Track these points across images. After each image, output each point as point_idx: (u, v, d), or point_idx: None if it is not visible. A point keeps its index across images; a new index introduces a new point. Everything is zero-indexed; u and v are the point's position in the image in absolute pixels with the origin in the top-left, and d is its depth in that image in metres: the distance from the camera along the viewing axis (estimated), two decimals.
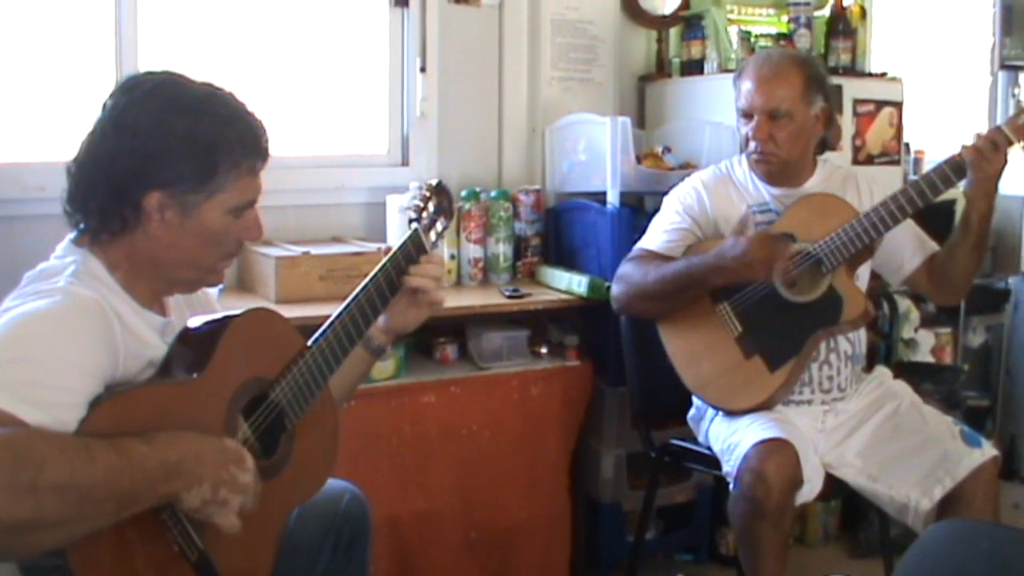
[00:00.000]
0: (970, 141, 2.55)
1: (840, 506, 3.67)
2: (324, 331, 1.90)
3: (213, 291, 2.85)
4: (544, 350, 3.28)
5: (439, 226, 2.11)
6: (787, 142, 2.69)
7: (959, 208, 2.79)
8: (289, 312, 2.84)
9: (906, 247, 2.78)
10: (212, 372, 1.68)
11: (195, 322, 1.81)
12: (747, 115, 2.73)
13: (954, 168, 2.55)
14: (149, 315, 1.74)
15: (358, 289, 1.95)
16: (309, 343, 1.88)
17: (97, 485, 1.40)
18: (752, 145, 2.72)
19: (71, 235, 1.72)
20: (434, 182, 2.14)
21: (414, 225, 2.05)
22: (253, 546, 1.73)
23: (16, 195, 2.87)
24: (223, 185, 1.68)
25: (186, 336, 1.78)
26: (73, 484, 1.37)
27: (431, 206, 2.09)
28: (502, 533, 3.11)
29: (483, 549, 3.09)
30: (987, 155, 2.51)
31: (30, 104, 3.01)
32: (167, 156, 1.63)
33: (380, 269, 1.98)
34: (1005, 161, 2.53)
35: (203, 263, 1.76)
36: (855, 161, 3.41)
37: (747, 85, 2.72)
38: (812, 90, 2.70)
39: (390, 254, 2.00)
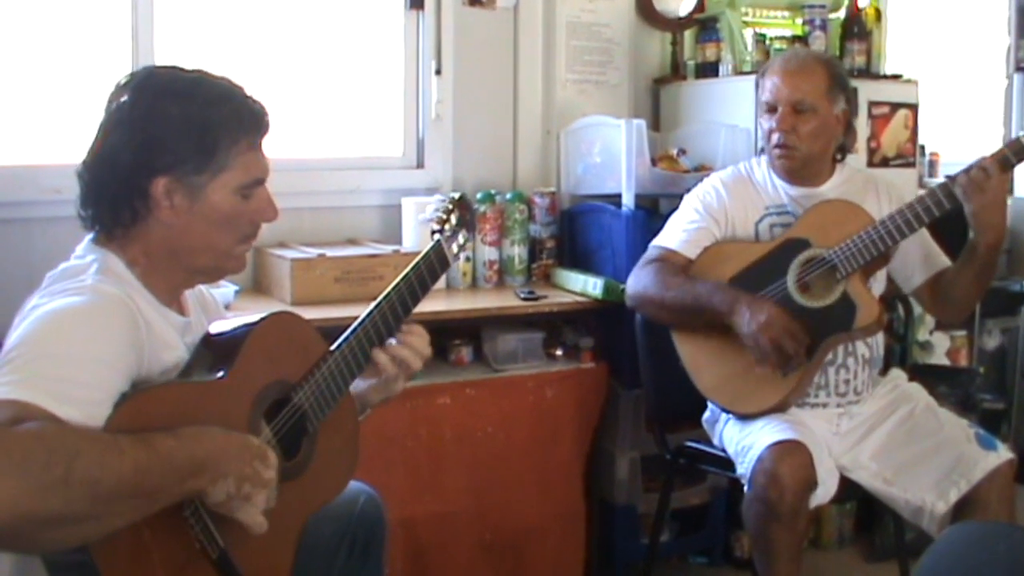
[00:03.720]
0: (991, 148, 2.55)
1: (855, 509, 3.67)
2: (347, 336, 1.91)
3: (229, 294, 2.90)
4: (559, 352, 3.28)
5: (461, 239, 2.10)
6: (809, 137, 2.70)
7: None
8: (305, 314, 2.86)
9: (916, 260, 2.79)
10: (236, 373, 1.71)
11: (217, 327, 1.83)
12: (771, 108, 2.74)
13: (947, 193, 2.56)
14: (170, 314, 1.75)
15: (381, 297, 1.96)
16: (332, 348, 1.89)
17: (126, 480, 1.40)
18: (775, 138, 2.73)
19: (90, 236, 1.74)
20: (456, 195, 2.14)
21: (436, 236, 2.05)
22: (273, 547, 1.74)
23: (33, 197, 2.88)
24: (225, 163, 1.68)
25: (209, 340, 1.81)
26: (103, 479, 1.38)
27: (453, 218, 2.09)
28: (516, 535, 3.12)
29: (497, 551, 3.09)
30: (980, 184, 2.51)
31: (46, 107, 3.03)
32: (165, 141, 1.65)
33: (403, 278, 1.98)
34: (1002, 188, 2.53)
35: (219, 247, 1.75)
36: (870, 163, 3.40)
37: (773, 79, 2.74)
38: (836, 89, 2.72)
39: (412, 263, 2.00)
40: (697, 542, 3.52)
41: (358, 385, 2.01)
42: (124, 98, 1.68)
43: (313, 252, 3.08)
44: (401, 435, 2.94)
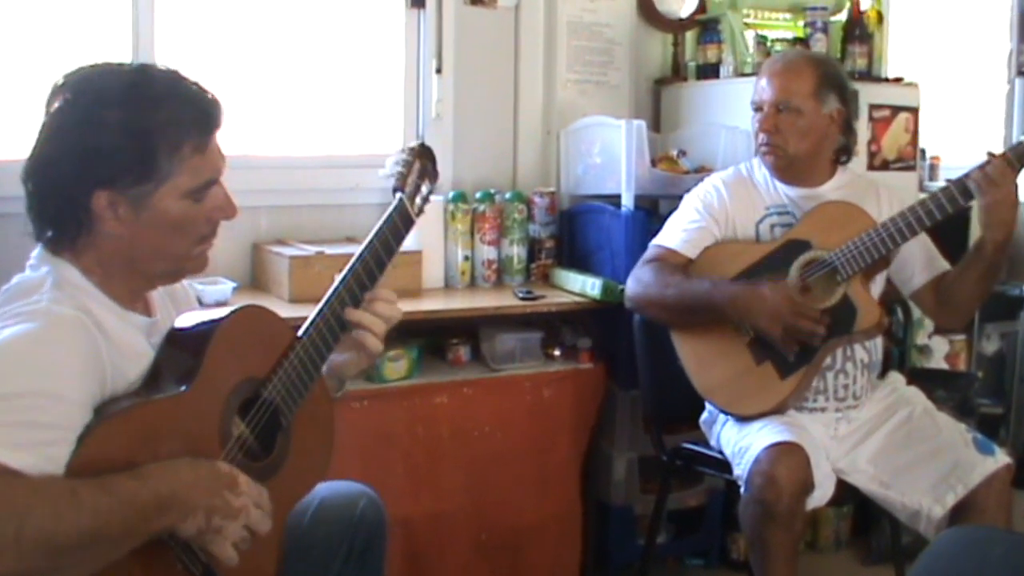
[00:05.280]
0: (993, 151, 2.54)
1: (852, 512, 3.66)
2: (314, 319, 1.84)
3: (226, 291, 2.88)
4: (557, 352, 3.27)
5: (424, 190, 2.02)
6: (793, 136, 2.71)
7: (974, 222, 2.78)
8: (303, 312, 2.86)
9: (917, 262, 2.77)
10: (201, 382, 1.63)
11: (183, 321, 1.76)
12: (758, 108, 2.76)
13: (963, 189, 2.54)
14: (133, 316, 1.69)
15: (344, 272, 1.88)
16: (299, 334, 1.82)
17: (85, 529, 1.36)
18: (760, 137, 2.75)
19: (41, 243, 1.65)
20: (414, 143, 2.04)
21: (398, 194, 1.96)
22: (256, 549, 1.68)
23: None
24: (169, 171, 1.59)
25: (174, 338, 1.73)
26: (59, 532, 1.34)
27: (414, 170, 1.99)
28: (513, 535, 3.11)
29: (494, 551, 3.09)
30: (995, 179, 2.50)
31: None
32: (102, 152, 1.56)
33: (366, 247, 1.90)
34: (1015, 187, 2.52)
35: (174, 252, 1.68)
36: (871, 166, 3.40)
37: (761, 80, 2.76)
38: (825, 89, 2.71)
39: (375, 228, 1.92)
40: (693, 544, 3.51)
41: (333, 360, 1.93)
42: (59, 103, 1.59)
43: (311, 250, 3.08)
44: (398, 433, 2.94)
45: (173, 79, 1.64)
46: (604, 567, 3.34)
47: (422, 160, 2.01)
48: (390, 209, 1.95)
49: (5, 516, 1.30)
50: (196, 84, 1.66)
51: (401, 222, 1.94)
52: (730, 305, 2.60)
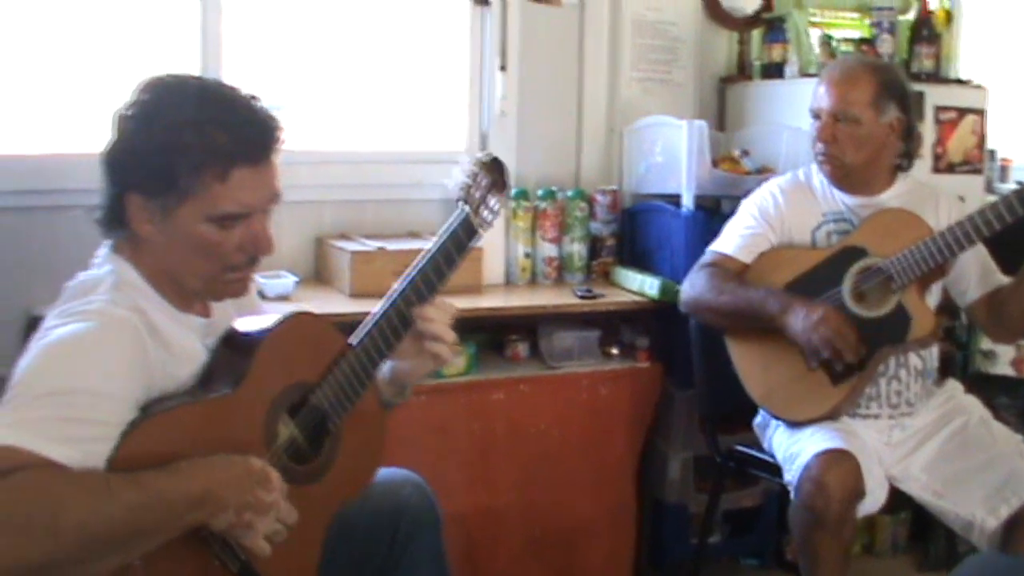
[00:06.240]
0: None
1: (910, 517, 3.63)
2: (368, 328, 1.86)
3: (288, 285, 2.94)
4: (615, 351, 3.29)
5: (492, 203, 1.96)
6: (851, 147, 2.68)
7: None
8: (364, 307, 2.92)
9: (972, 275, 2.73)
10: (248, 385, 1.68)
11: (243, 325, 1.80)
12: (816, 116, 2.74)
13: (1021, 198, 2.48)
14: (188, 318, 1.75)
15: (402, 282, 1.89)
16: (351, 342, 1.85)
17: (117, 524, 1.41)
18: (818, 146, 2.73)
19: (109, 242, 1.73)
20: (484, 155, 1.98)
21: (463, 207, 1.92)
22: (297, 549, 1.74)
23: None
24: (190, 190, 1.62)
25: (227, 341, 1.78)
26: (92, 524, 1.39)
27: (483, 182, 1.94)
28: (566, 532, 3.14)
29: (547, 547, 3.12)
30: None
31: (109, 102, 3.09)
32: (135, 157, 1.63)
33: (427, 259, 1.89)
34: None
35: (203, 273, 1.71)
36: (936, 169, 3.36)
37: (820, 88, 2.74)
38: (884, 98, 2.68)
39: (437, 239, 1.91)
40: (748, 544, 3.51)
41: (396, 366, 1.97)
42: (127, 105, 1.67)
43: (373, 245, 3.12)
44: (454, 428, 2.98)
45: (226, 105, 1.67)
46: (658, 565, 3.36)
47: (491, 172, 1.96)
48: (453, 221, 1.92)
49: (43, 505, 1.36)
50: (249, 113, 1.68)
51: (464, 234, 1.92)
52: (780, 315, 2.60)
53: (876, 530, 3.61)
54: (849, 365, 2.58)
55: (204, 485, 1.52)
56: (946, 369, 2.90)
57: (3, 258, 2.95)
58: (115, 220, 1.68)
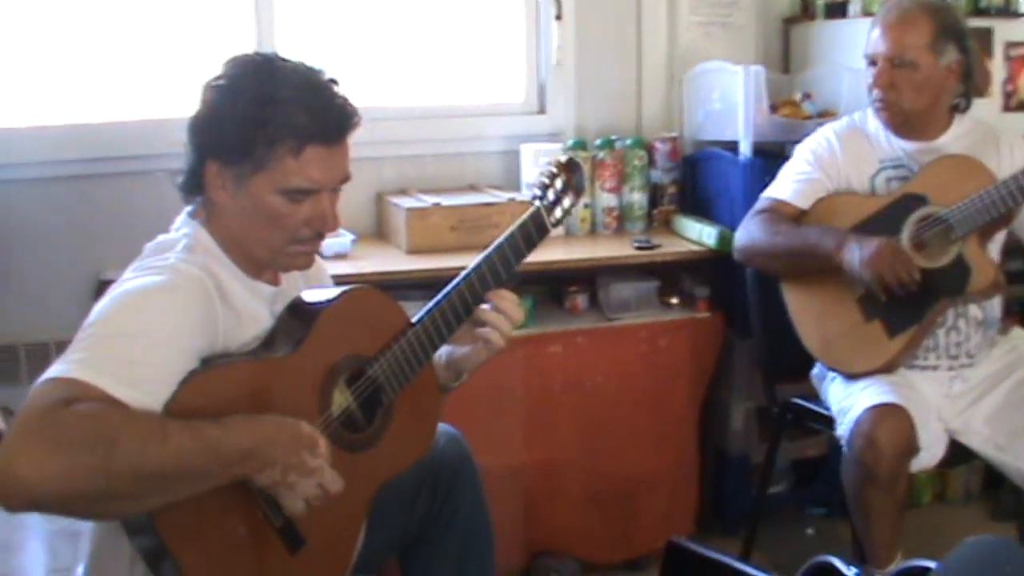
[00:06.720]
0: None
1: (983, 465, 3.53)
2: (431, 309, 1.92)
3: (345, 243, 2.98)
4: (675, 301, 3.26)
5: (566, 203, 2.06)
6: (910, 92, 2.60)
7: None
8: (420, 264, 2.97)
9: None
10: (306, 350, 1.76)
11: (309, 295, 1.89)
12: (872, 62, 2.65)
13: None
14: (258, 284, 1.83)
15: (471, 267, 1.95)
16: (413, 321, 1.92)
17: (168, 464, 1.48)
18: (874, 93, 2.65)
19: (188, 207, 1.82)
20: (564, 158, 2.09)
21: (536, 203, 2.01)
22: (341, 515, 1.81)
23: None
24: (264, 162, 1.71)
25: (293, 309, 1.86)
26: (144, 463, 1.45)
27: (558, 183, 2.04)
28: (626, 485, 3.14)
29: (607, 501, 3.13)
30: None
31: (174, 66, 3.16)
32: (217, 126, 1.72)
33: (494, 248, 1.96)
34: None
35: (270, 243, 1.78)
36: (1006, 108, 3.24)
37: (875, 32, 2.65)
38: (943, 40, 2.58)
39: (507, 232, 1.97)
40: (815, 493, 3.48)
41: (452, 352, 2.03)
42: (215, 77, 1.76)
43: (429, 201, 3.14)
44: (511, 383, 2.98)
45: (309, 86, 1.75)
46: (721, 515, 3.36)
47: (568, 173, 2.06)
48: (524, 216, 1.99)
49: (99, 440, 1.43)
50: (330, 96, 1.76)
51: (535, 229, 1.99)
52: (836, 250, 2.53)
53: (948, 479, 3.56)
54: (906, 315, 2.52)
55: (254, 440, 1.58)
56: (1012, 316, 2.81)
57: (75, 224, 3.05)
58: (195, 186, 1.78)
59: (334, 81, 1.80)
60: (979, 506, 3.56)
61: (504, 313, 1.98)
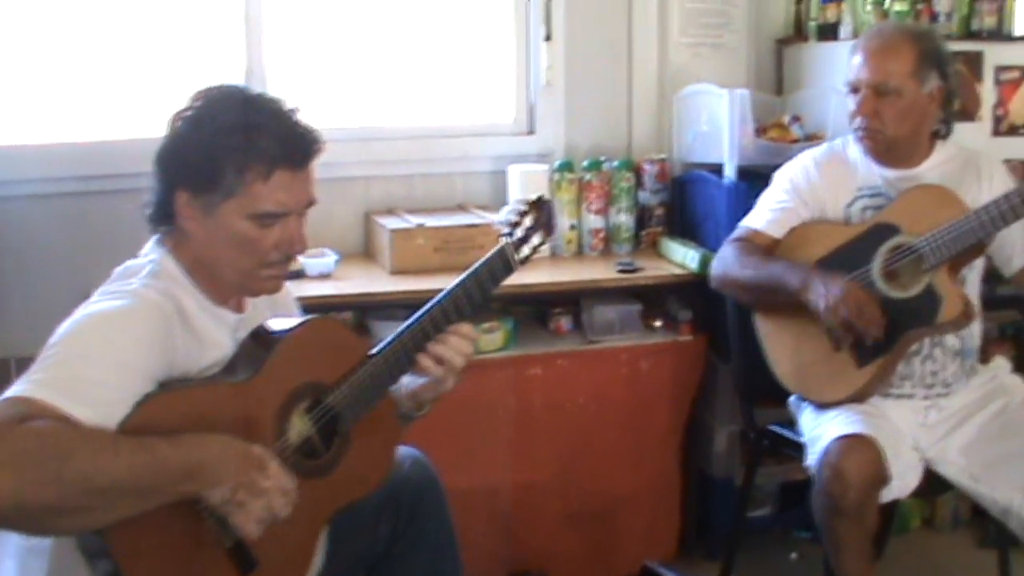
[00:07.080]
0: None
1: None
2: (391, 341, 1.95)
3: (329, 264, 2.99)
4: (658, 323, 3.25)
5: (535, 240, 2.07)
6: (893, 120, 2.57)
7: None
8: (402, 285, 2.98)
9: (1017, 241, 2.61)
10: (265, 375, 1.80)
11: (272, 324, 1.92)
12: (854, 89, 2.62)
13: None
14: (223, 312, 1.88)
15: (434, 302, 1.97)
16: (372, 352, 1.94)
17: (117, 480, 1.53)
18: (857, 121, 2.62)
19: (156, 235, 1.87)
20: (534, 196, 2.10)
21: (503, 240, 2.03)
22: (294, 538, 1.83)
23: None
24: (234, 189, 1.76)
25: (256, 335, 1.90)
26: (95, 477, 1.50)
27: (528, 220, 2.06)
28: (606, 506, 3.14)
29: (586, 521, 3.12)
30: None
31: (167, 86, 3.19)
32: (185, 158, 1.78)
33: (459, 284, 1.98)
34: None
35: (240, 267, 1.83)
36: (996, 132, 3.22)
37: (856, 58, 2.62)
38: (925, 67, 2.56)
39: (472, 268, 2.00)
40: (799, 517, 3.45)
41: (413, 383, 2.04)
42: (183, 108, 1.82)
43: (413, 221, 3.14)
44: (491, 404, 2.99)
45: (272, 113, 1.81)
46: (705, 538, 3.35)
47: (538, 212, 2.07)
48: (490, 253, 2.01)
49: (53, 455, 1.48)
50: (294, 125, 1.82)
51: (500, 266, 2.02)
52: (800, 290, 2.52)
53: (937, 505, 3.53)
54: (875, 346, 2.50)
55: (201, 457, 1.62)
56: (1000, 340, 2.76)
57: (64, 241, 3.09)
58: (163, 215, 1.84)
59: (296, 109, 1.85)
60: (967, 533, 3.52)
61: (453, 347, 1.98)
